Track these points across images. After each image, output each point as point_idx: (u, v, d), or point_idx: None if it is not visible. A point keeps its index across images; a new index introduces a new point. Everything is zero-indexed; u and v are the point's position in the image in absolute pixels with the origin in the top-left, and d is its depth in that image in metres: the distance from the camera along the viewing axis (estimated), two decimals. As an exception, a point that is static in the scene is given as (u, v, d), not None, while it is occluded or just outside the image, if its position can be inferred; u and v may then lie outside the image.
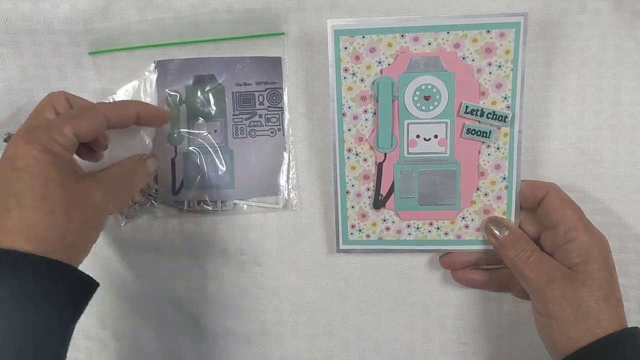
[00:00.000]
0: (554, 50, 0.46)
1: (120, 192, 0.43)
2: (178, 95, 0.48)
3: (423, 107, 0.44)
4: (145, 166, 0.45)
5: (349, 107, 0.45)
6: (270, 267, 0.51)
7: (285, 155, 0.49)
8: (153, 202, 0.49)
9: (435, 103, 0.44)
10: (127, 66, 0.48)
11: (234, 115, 0.48)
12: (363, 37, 0.43)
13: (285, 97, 0.48)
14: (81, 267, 0.39)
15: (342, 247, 0.48)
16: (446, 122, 0.44)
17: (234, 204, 0.50)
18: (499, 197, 0.45)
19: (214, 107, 0.48)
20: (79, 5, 0.45)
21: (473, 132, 0.44)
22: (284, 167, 0.49)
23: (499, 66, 0.43)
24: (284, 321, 0.51)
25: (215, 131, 0.48)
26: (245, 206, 0.50)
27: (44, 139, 0.38)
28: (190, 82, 0.48)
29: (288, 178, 0.49)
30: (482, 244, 0.46)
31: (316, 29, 0.47)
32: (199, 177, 0.49)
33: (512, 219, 0.45)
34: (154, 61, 0.47)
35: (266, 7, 0.46)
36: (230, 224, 0.50)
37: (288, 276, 0.51)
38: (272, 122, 0.48)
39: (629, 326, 0.40)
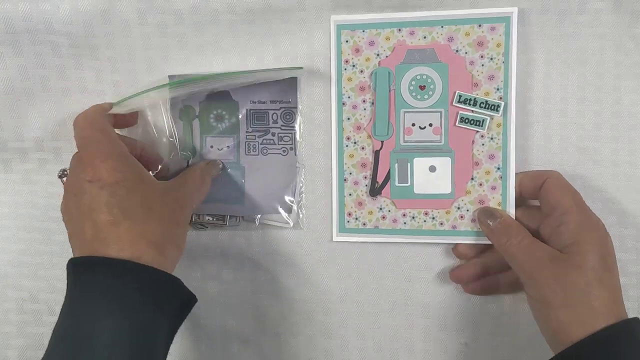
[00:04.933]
0: (554, 50, 0.47)
1: (195, 199, 0.46)
2: (192, 110, 0.49)
3: (418, 97, 0.47)
4: (211, 170, 0.48)
5: (349, 97, 0.48)
6: (271, 266, 0.51)
7: (297, 174, 0.50)
8: None
9: (430, 92, 0.47)
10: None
11: (247, 132, 0.49)
12: (363, 31, 0.47)
13: (298, 117, 0.49)
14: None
15: (339, 234, 0.49)
16: (440, 111, 0.47)
17: (242, 219, 0.51)
18: (493, 187, 0.47)
19: (227, 123, 0.49)
20: (79, 6, 0.45)
21: (467, 120, 0.47)
22: (294, 186, 0.50)
23: (491, 58, 0.46)
24: (283, 321, 0.51)
25: (228, 147, 0.49)
26: (255, 223, 0.51)
27: (114, 152, 0.40)
28: (204, 97, 0.49)
29: (297, 197, 0.50)
30: (476, 235, 0.48)
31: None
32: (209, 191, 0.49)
33: (507, 209, 0.47)
34: (168, 75, 0.48)
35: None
36: (236, 236, 0.51)
37: (288, 275, 0.50)
38: (284, 141, 0.49)
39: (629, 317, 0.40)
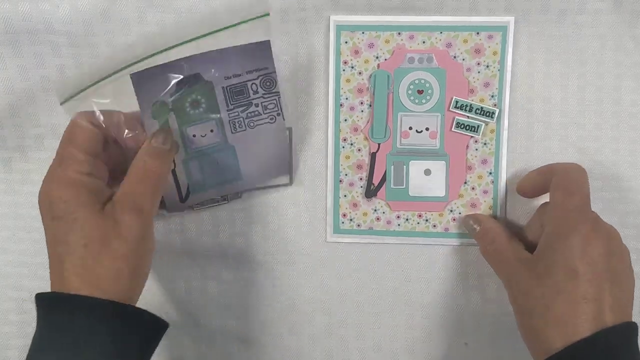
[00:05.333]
0: (554, 50, 0.47)
1: (149, 195, 0.41)
2: (163, 105, 0.45)
3: (416, 101, 0.48)
4: (161, 149, 0.42)
5: (347, 98, 0.48)
6: (270, 266, 0.50)
7: (287, 137, 0.49)
8: (164, 213, 0.49)
9: (428, 97, 0.47)
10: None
11: (228, 110, 0.46)
12: (362, 32, 0.47)
13: (278, 81, 0.46)
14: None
15: (333, 234, 0.50)
16: (437, 116, 0.48)
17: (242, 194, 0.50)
18: (485, 192, 0.48)
19: (205, 107, 0.46)
20: (79, 5, 0.45)
21: (462, 126, 0.47)
22: (288, 148, 0.49)
23: (487, 66, 0.47)
24: (283, 321, 0.51)
25: (212, 131, 0.46)
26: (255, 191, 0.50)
27: (65, 177, 0.39)
28: (174, 87, 0.44)
29: (291, 157, 0.49)
30: (468, 238, 0.49)
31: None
32: (204, 180, 0.48)
33: (498, 213, 0.48)
34: (129, 75, 0.43)
35: None
36: (235, 235, 0.51)
37: (287, 275, 0.50)
38: (269, 109, 0.46)
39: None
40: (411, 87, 0.47)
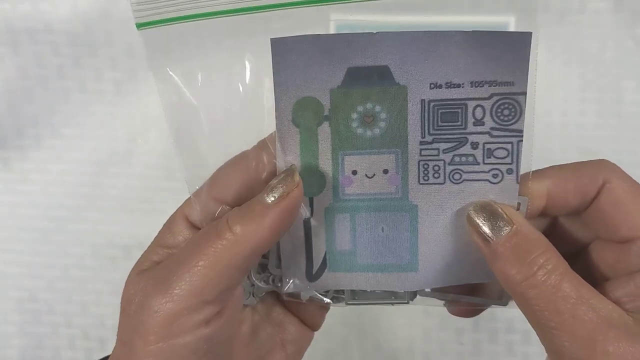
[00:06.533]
0: (554, 50, 0.46)
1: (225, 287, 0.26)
2: (316, 104, 0.28)
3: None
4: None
5: None
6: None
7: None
8: (264, 293, 0.32)
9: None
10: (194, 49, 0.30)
11: (422, 141, 0.28)
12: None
13: (526, 111, 0.28)
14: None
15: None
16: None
17: (417, 294, 0.31)
18: None
19: (384, 127, 0.28)
20: (79, 4, 0.45)
21: None
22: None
23: None
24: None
25: (386, 171, 0.29)
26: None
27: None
28: (341, 78, 0.27)
29: None
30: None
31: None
32: (354, 251, 0.30)
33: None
34: (270, 39, 0.27)
35: None
36: None
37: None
38: (496, 156, 0.28)
39: None
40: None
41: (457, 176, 0.28)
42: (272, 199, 0.25)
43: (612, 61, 0.47)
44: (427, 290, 0.31)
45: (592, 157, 0.48)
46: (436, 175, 0.28)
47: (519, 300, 0.25)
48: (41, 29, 0.46)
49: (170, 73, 0.28)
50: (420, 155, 0.28)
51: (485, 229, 0.25)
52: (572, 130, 0.48)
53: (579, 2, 0.46)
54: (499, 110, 0.27)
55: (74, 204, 0.51)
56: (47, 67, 0.48)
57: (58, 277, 0.52)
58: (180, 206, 0.29)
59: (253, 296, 0.31)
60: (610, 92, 0.47)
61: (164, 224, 0.29)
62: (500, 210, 0.26)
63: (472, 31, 0.27)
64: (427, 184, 0.28)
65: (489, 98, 0.27)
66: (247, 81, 0.28)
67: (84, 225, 0.51)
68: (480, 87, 0.27)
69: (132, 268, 0.28)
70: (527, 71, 0.26)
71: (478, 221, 0.26)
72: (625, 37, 0.47)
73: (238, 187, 0.28)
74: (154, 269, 0.27)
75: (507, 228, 0.25)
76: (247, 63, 0.29)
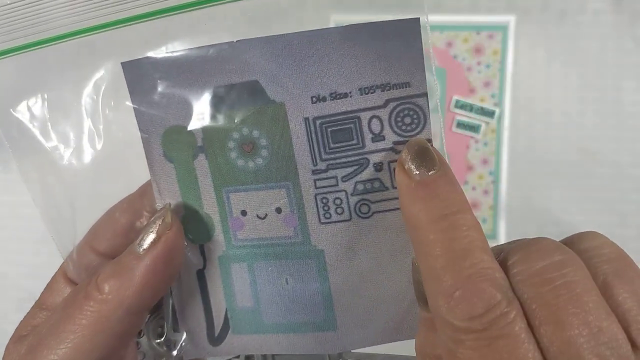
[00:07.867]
0: (554, 50, 0.46)
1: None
2: (188, 136, 0.23)
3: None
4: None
5: None
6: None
7: None
8: None
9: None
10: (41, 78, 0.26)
11: (314, 170, 0.23)
12: None
13: (430, 115, 0.22)
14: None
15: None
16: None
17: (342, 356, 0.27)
18: (486, 192, 0.48)
19: (267, 156, 0.23)
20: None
21: (463, 125, 0.48)
22: None
23: (487, 66, 0.47)
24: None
25: (279, 210, 0.23)
26: None
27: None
28: (209, 99, 0.23)
29: None
30: None
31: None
32: (258, 308, 0.25)
33: (499, 214, 0.48)
34: (121, 62, 0.23)
35: None
36: None
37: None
38: None
39: None
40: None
41: (364, 209, 0.23)
42: (144, 247, 0.22)
43: (612, 61, 0.47)
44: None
45: (592, 157, 0.48)
46: (339, 210, 0.23)
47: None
48: (41, 29, 0.46)
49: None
50: (316, 187, 0.23)
51: (411, 165, 0.20)
52: (572, 130, 0.48)
53: (579, 2, 0.46)
54: (399, 118, 0.22)
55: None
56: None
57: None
58: (63, 262, 0.26)
59: (153, 364, 0.26)
60: (610, 92, 0.48)
61: (47, 283, 0.26)
62: (430, 152, 0.21)
63: (349, 25, 0.22)
64: (329, 222, 0.23)
65: (385, 106, 0.22)
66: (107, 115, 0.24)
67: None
68: (372, 93, 0.22)
69: (12, 335, 0.25)
70: (423, 67, 0.21)
71: (409, 158, 0.21)
72: (625, 37, 0.47)
73: (112, 235, 0.25)
74: (30, 336, 0.24)
75: (434, 169, 0.20)
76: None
